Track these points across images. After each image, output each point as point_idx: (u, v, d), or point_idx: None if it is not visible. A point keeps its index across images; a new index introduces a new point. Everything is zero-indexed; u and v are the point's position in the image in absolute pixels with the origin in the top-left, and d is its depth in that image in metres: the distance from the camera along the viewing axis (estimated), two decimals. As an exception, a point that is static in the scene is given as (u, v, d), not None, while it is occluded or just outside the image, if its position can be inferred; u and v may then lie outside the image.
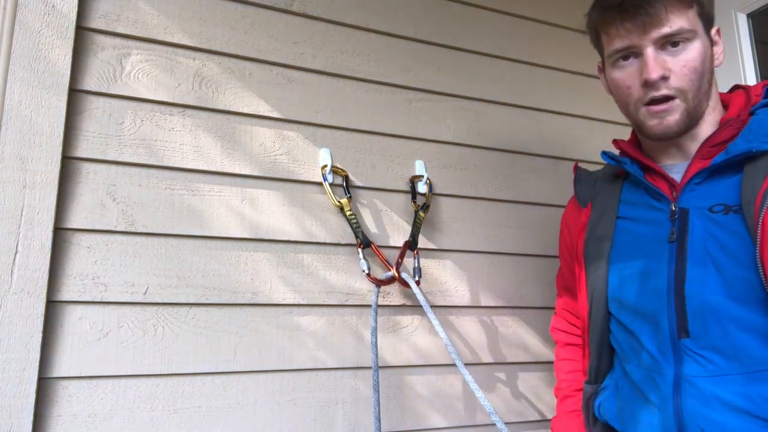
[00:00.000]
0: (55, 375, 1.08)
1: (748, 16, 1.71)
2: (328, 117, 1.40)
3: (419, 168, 1.48)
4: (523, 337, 1.53)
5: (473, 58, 1.62)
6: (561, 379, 1.24)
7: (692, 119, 1.00)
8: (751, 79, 1.66)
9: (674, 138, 1.02)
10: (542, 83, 1.70)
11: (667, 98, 0.99)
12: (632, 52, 1.01)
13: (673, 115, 0.99)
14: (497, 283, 1.53)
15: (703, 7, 0.99)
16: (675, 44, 0.97)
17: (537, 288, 1.57)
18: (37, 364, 1.05)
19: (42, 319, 1.06)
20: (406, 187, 1.45)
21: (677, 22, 0.96)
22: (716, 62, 1.03)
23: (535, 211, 1.62)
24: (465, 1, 1.64)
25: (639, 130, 1.07)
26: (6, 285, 1.05)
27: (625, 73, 1.02)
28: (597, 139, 1.72)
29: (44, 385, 1.08)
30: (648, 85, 0.98)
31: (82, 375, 1.10)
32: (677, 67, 0.97)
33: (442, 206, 1.50)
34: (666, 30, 0.97)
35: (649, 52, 0.98)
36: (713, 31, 1.02)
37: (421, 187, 1.46)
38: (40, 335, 1.06)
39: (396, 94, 1.50)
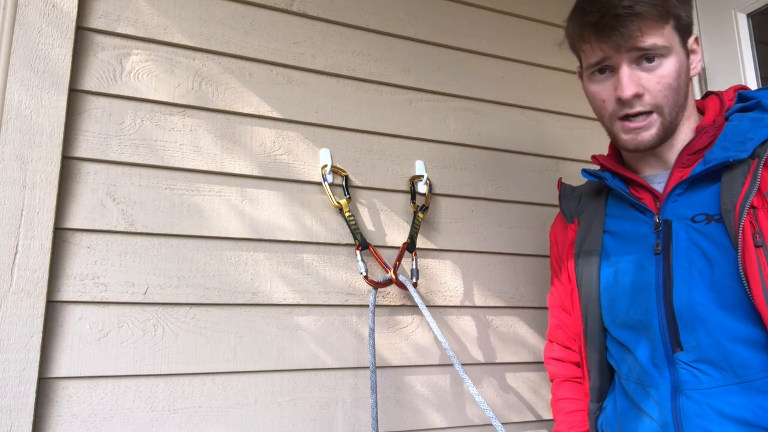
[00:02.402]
0: (55, 375, 1.08)
1: (748, 16, 1.71)
2: (328, 117, 1.40)
3: (419, 168, 1.48)
4: (523, 336, 1.53)
5: (473, 58, 1.62)
6: (560, 420, 1.19)
7: (668, 132, 1.00)
8: (751, 79, 1.67)
9: (648, 151, 1.03)
10: (542, 83, 1.70)
11: (642, 113, 0.98)
12: (608, 66, 1.00)
13: (649, 131, 0.99)
14: (497, 283, 1.53)
15: (680, 20, 0.98)
16: (650, 60, 0.97)
17: (536, 288, 1.57)
18: (37, 364, 1.05)
19: (42, 319, 1.06)
20: (406, 188, 1.45)
21: (651, 39, 0.95)
22: (693, 72, 1.03)
23: (535, 211, 1.62)
24: (465, 1, 1.64)
25: (614, 142, 1.07)
26: (6, 285, 1.05)
27: (601, 87, 1.02)
28: (597, 139, 1.72)
29: (44, 385, 1.08)
30: (622, 102, 0.98)
31: (82, 375, 1.10)
32: (652, 83, 0.97)
33: (442, 206, 1.50)
34: (640, 47, 0.96)
35: (624, 68, 0.97)
36: (691, 40, 1.02)
37: (421, 188, 1.46)
38: (40, 335, 1.06)
39: (396, 94, 1.50)
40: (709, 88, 1.74)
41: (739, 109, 1.01)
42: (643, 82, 0.97)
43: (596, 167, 1.17)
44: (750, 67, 1.67)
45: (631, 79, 0.97)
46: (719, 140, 0.97)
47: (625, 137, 1.01)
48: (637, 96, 0.97)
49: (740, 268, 0.88)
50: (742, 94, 1.03)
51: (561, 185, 1.26)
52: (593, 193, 1.17)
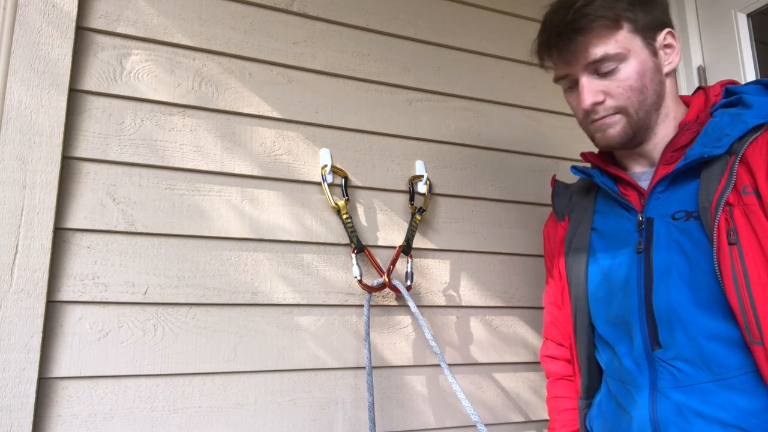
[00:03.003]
0: (55, 375, 1.08)
1: (748, 16, 1.71)
2: (328, 117, 1.40)
3: (419, 168, 1.48)
4: (523, 336, 1.53)
5: (473, 58, 1.62)
6: (554, 418, 1.20)
7: (638, 131, 1.01)
8: (750, 78, 1.66)
9: (620, 148, 1.04)
10: (542, 83, 1.70)
11: (607, 116, 1.01)
12: (571, 79, 1.03)
13: (614, 128, 1.01)
14: (497, 283, 1.53)
15: (635, 22, 0.98)
16: (607, 67, 0.98)
17: (537, 288, 1.57)
18: (37, 364, 1.05)
19: (42, 319, 1.06)
20: (406, 188, 1.45)
21: (601, 49, 0.97)
22: (669, 67, 1.02)
23: (535, 211, 1.62)
24: (465, 1, 1.64)
25: (593, 142, 1.09)
26: (6, 285, 1.05)
27: (571, 98, 1.07)
28: (597, 139, 1.72)
29: (44, 385, 1.08)
30: (587, 111, 1.01)
31: (82, 375, 1.10)
32: (612, 88, 0.98)
33: (441, 206, 1.50)
34: (590, 60, 0.98)
35: (583, 80, 1.00)
36: (661, 36, 1.01)
37: (421, 188, 1.46)
38: (40, 335, 1.06)
39: (396, 94, 1.50)
40: (709, 88, 1.74)
41: (723, 104, 1.00)
42: (604, 88, 0.99)
43: (587, 164, 1.17)
44: (750, 67, 1.67)
45: (589, 89, 0.99)
46: (700, 136, 0.97)
47: (596, 135, 1.04)
48: (598, 104, 1.00)
49: (715, 265, 0.88)
50: (729, 89, 1.02)
51: (554, 182, 1.26)
52: (584, 191, 1.18)
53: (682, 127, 1.01)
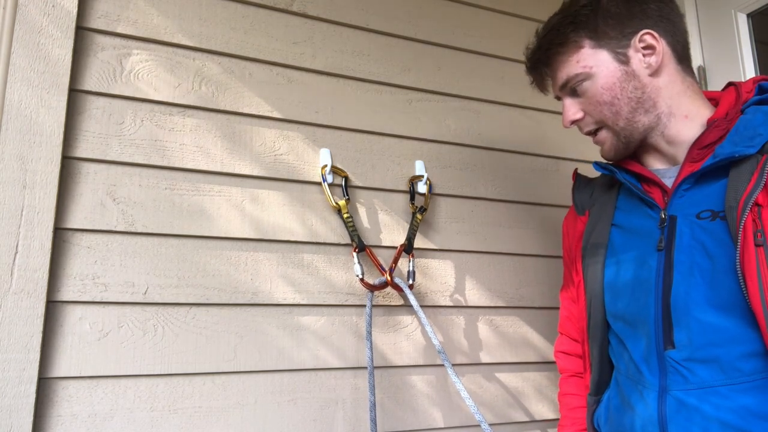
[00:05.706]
0: (55, 375, 1.08)
1: (748, 16, 1.71)
2: (328, 117, 1.40)
3: (419, 168, 1.48)
4: (524, 336, 1.53)
5: (473, 58, 1.62)
6: (564, 415, 1.20)
7: (628, 140, 1.03)
8: (751, 79, 1.66)
9: (621, 159, 1.07)
10: (542, 83, 1.70)
11: (592, 132, 1.07)
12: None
13: (605, 145, 1.07)
14: (497, 283, 1.53)
15: (597, 38, 1.00)
16: (576, 86, 1.03)
17: (537, 288, 1.57)
18: (37, 364, 1.05)
19: (42, 319, 1.06)
20: (406, 188, 1.45)
21: (564, 73, 1.04)
22: (649, 70, 0.99)
23: (535, 211, 1.62)
24: (465, 1, 1.64)
25: None
26: (6, 285, 1.05)
27: None
28: (597, 139, 1.71)
29: (44, 385, 1.08)
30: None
31: (82, 375, 1.10)
32: (587, 105, 1.04)
33: (442, 206, 1.50)
34: (559, 84, 1.06)
35: (565, 101, 1.08)
36: (635, 40, 0.99)
37: (421, 188, 1.46)
38: (40, 335, 1.06)
39: (396, 94, 1.50)
40: (709, 88, 1.74)
41: (756, 101, 0.97)
42: (581, 106, 1.05)
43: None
44: (750, 67, 1.67)
45: (568, 109, 1.07)
46: (730, 134, 0.93)
47: (600, 150, 1.11)
48: (578, 120, 1.07)
49: (738, 266, 0.86)
50: (762, 85, 0.99)
51: (576, 176, 1.24)
52: (606, 186, 1.16)
53: (710, 123, 0.97)
